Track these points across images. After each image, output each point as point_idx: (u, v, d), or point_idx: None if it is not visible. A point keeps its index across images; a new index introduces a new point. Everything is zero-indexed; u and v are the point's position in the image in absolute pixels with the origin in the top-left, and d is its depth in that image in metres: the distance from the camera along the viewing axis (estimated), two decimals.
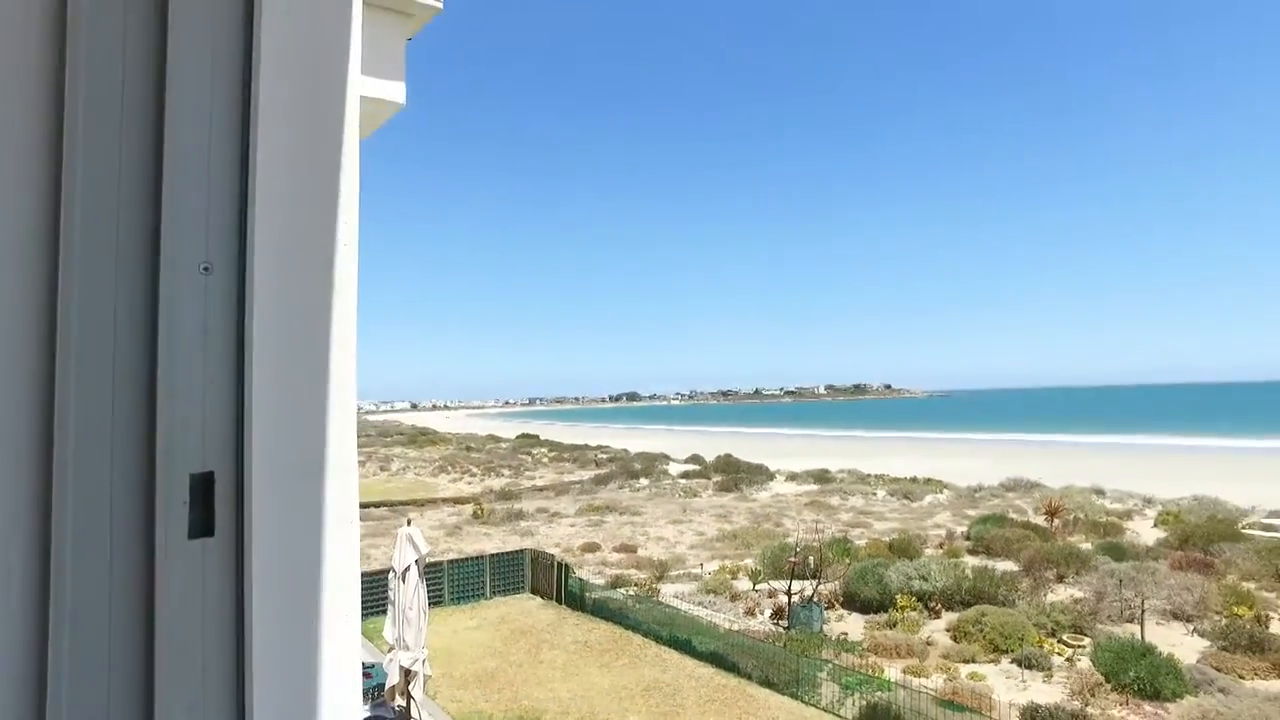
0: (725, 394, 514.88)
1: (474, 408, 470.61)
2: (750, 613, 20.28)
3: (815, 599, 19.42)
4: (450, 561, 21.96)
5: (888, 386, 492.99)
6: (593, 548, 30.19)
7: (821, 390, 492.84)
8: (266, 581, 0.98)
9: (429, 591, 18.80)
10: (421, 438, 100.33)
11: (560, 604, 20.88)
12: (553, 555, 22.84)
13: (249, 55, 1.01)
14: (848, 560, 23.79)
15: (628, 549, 29.84)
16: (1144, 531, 32.96)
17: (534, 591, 22.11)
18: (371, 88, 2.99)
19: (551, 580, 21.45)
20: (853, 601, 20.58)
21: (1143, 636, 16.69)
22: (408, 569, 12.96)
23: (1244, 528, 30.89)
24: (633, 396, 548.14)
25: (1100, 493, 44.46)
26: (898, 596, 19.58)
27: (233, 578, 0.98)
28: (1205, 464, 70.03)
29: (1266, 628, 18.01)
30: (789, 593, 19.25)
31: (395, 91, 3.15)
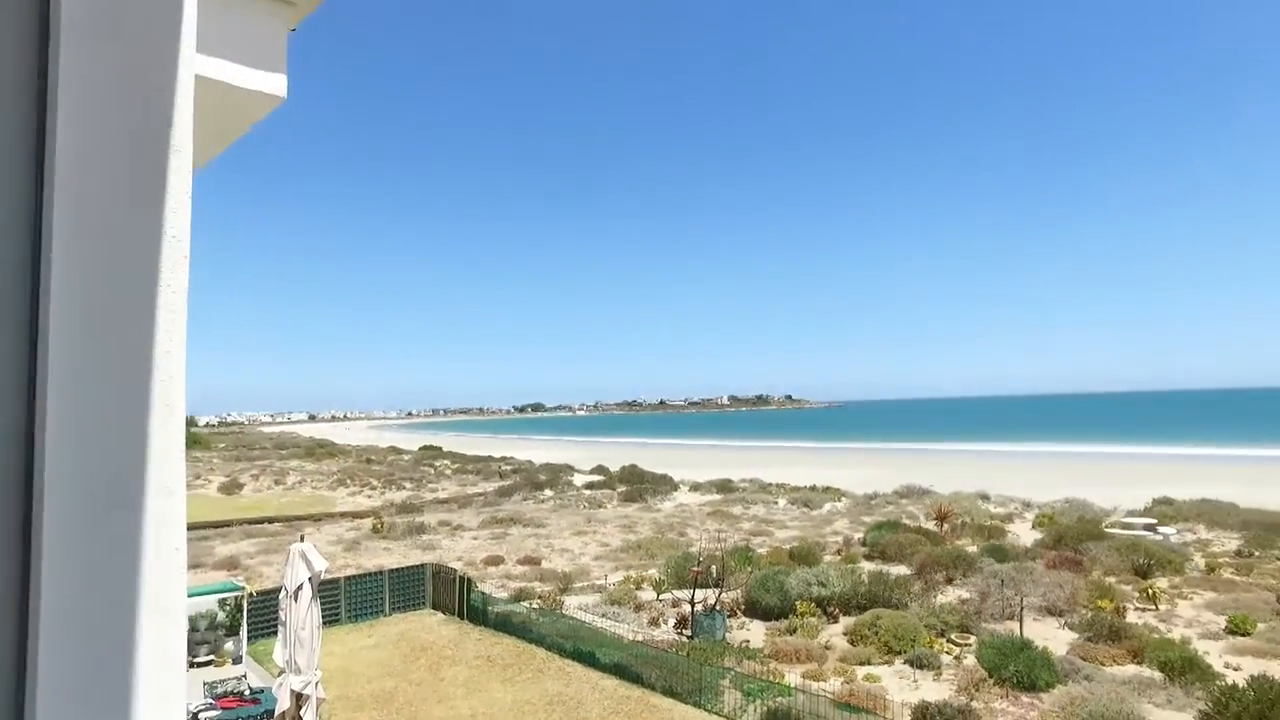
0: (630, 405, 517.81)
1: (375, 419, 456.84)
2: (654, 623, 20.32)
3: (718, 607, 19.64)
4: (348, 578, 21.07)
5: (789, 397, 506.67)
6: (496, 560, 29.63)
7: (725, 401, 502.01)
8: (59, 634, 0.84)
9: (325, 610, 17.99)
10: (319, 450, 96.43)
11: (462, 619, 20.35)
12: (455, 569, 22.27)
13: (45, 27, 0.88)
14: (750, 568, 24.20)
15: (532, 561, 29.43)
16: (1023, 533, 34.98)
17: (435, 607, 21.49)
18: (248, 79, 2.80)
19: (453, 595, 20.89)
20: (755, 609, 20.93)
21: (1021, 632, 17.67)
22: (300, 587, 12.34)
23: (1107, 527, 33.30)
24: (538, 407, 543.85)
25: (985, 498, 46.97)
26: (798, 603, 20.03)
27: (12, 635, 0.83)
28: (1077, 469, 75.21)
29: (1124, 618, 19.51)
30: (692, 602, 19.39)
31: (275, 84, 2.96)
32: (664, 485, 57.73)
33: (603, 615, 20.54)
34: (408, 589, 21.56)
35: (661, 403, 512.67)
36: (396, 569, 22.22)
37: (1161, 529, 33.08)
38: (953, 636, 18.15)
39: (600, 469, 71.25)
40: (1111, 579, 24.08)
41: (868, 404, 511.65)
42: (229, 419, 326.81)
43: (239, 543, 33.59)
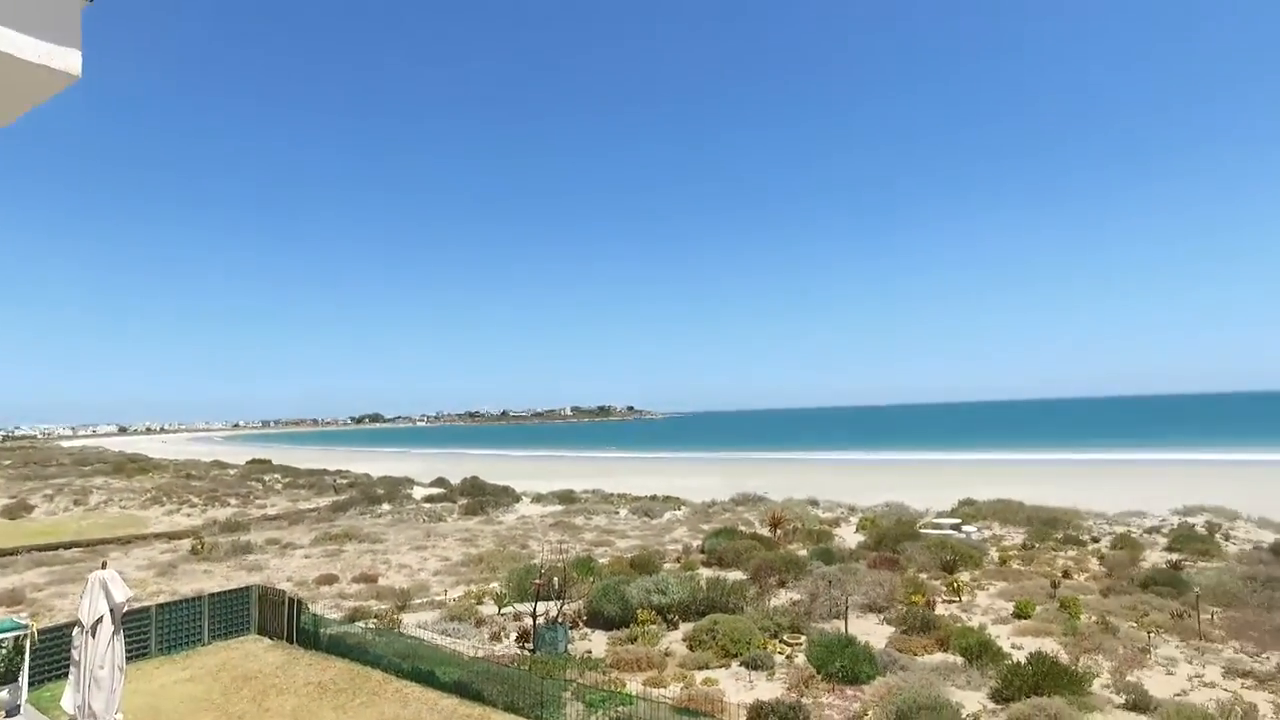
0: (473, 416, 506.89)
1: (198, 431, 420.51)
2: (495, 637, 19.98)
3: (560, 619, 19.64)
4: (159, 606, 19.15)
5: (631, 408, 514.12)
6: (329, 579, 28.05)
7: (568, 412, 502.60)
8: None
9: (131, 643, 16.31)
10: (130, 465, 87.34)
11: (291, 643, 19.08)
12: (283, 590, 20.84)
13: None
14: (592, 579, 24.38)
15: (368, 579, 28.12)
16: (849, 536, 37.48)
17: (262, 632, 20.01)
18: (35, 51, 2.56)
19: (281, 618, 19.55)
20: (597, 619, 21.10)
21: (846, 630, 18.96)
22: (99, 620, 11.18)
23: (920, 528, 36.40)
24: (376, 418, 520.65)
25: (815, 503, 49.91)
26: (639, 611, 20.40)
27: None
28: (897, 475, 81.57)
29: (933, 610, 21.44)
30: (534, 615, 19.28)
31: (68, 60, 2.71)
32: (506, 497, 57.04)
33: (443, 632, 19.95)
34: (230, 614, 19.94)
35: (504, 414, 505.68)
36: (218, 593, 20.48)
37: (965, 528, 36.57)
38: (785, 637, 19.15)
39: (441, 481, 69.38)
40: (924, 575, 26.34)
41: (708, 415, 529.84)
42: (17, 432, 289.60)
43: (25, 573, 29.73)
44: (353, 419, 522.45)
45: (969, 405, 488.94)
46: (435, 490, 63.62)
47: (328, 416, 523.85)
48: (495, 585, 25.31)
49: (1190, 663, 17.10)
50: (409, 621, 21.09)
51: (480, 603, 23.53)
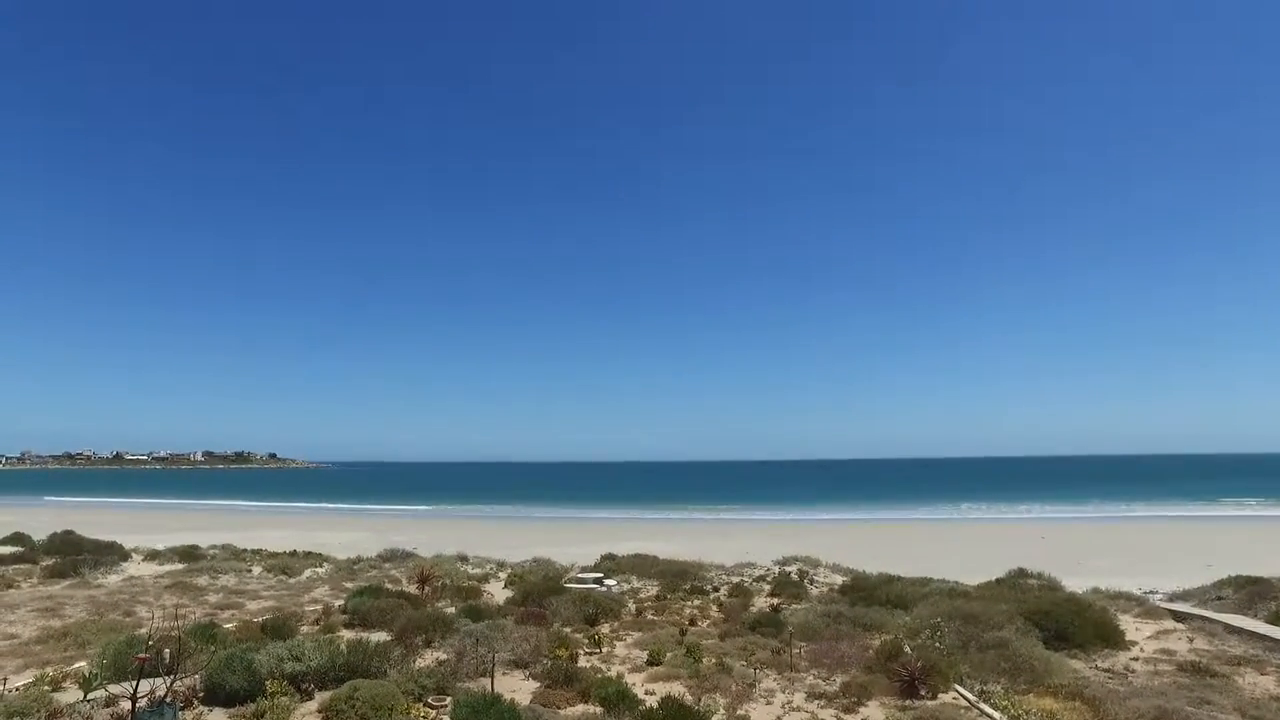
0: (72, 457, 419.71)
1: None
2: None
3: (169, 699, 16.75)
4: None
5: (273, 455, 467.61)
6: None
7: (199, 457, 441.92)
8: None
9: None
10: None
11: None
12: None
13: None
14: (213, 648, 21.25)
15: None
16: (497, 592, 37.62)
17: None
18: None
19: None
20: (217, 695, 18.33)
21: (492, 688, 18.83)
22: None
23: (565, 582, 37.94)
24: None
25: (465, 559, 49.40)
26: (268, 682, 18.21)
27: None
28: (545, 531, 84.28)
29: (576, 663, 22.31)
30: (134, 696, 16.15)
31: None
32: (110, 554, 47.65)
33: None
34: None
35: (118, 456, 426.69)
36: None
37: (607, 581, 38.88)
38: (429, 700, 18.42)
39: (17, 537, 55.60)
40: (568, 629, 27.33)
41: (361, 464, 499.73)
42: None
43: None
44: None
45: (614, 465, 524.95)
46: (9, 549, 50.64)
47: None
48: (83, 665, 20.81)
49: (784, 691, 19.88)
50: None
51: (58, 689, 19.02)
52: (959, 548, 67.89)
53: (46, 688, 18.87)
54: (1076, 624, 25.15)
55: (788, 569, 46.59)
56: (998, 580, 37.33)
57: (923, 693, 18.96)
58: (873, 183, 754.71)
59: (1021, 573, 40.01)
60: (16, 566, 42.81)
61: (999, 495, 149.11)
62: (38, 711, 16.80)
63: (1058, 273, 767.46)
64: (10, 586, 37.51)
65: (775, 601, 34.18)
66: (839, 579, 42.99)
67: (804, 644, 24.25)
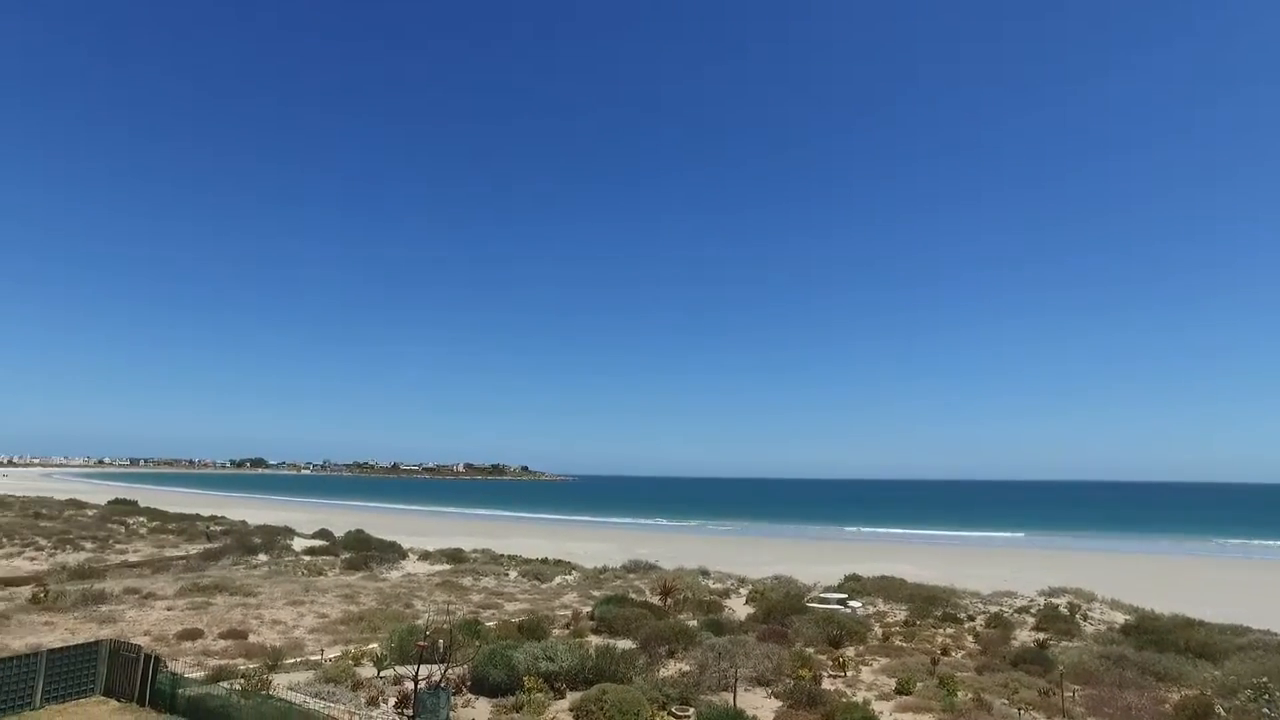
0: (361, 466, 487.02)
1: (53, 466, 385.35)
2: (373, 702, 18.78)
3: (443, 684, 18.67)
4: None
5: (525, 468, 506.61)
6: (194, 634, 25.90)
7: (460, 468, 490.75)
8: None
9: None
10: None
11: (143, 706, 17.38)
12: (139, 646, 18.98)
13: None
14: (478, 643, 23.43)
15: (237, 635, 26.11)
16: (738, 607, 37.61)
17: (110, 693, 18.12)
18: None
19: (134, 677, 17.77)
20: (482, 685, 20.20)
21: (735, 702, 18.83)
22: None
23: (807, 601, 36.98)
24: (258, 463, 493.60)
25: (706, 573, 49.99)
26: (525, 678, 19.68)
27: None
28: (784, 548, 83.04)
29: (820, 685, 21.61)
30: (415, 678, 18.24)
31: None
32: (392, 553, 54.80)
33: (316, 695, 18.58)
34: (72, 673, 17.99)
35: (395, 466, 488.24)
36: (58, 648, 18.49)
37: (851, 603, 37.39)
38: (673, 709, 18.82)
39: (324, 533, 66.13)
40: (811, 649, 26.63)
41: (602, 478, 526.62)
42: None
43: None
44: (232, 462, 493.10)
45: (853, 482, 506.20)
46: (317, 542, 60.46)
47: (204, 458, 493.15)
48: (375, 646, 23.94)
49: None
50: (280, 683, 19.55)
51: (359, 664, 22.15)
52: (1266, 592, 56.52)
53: (350, 661, 22.18)
54: None
55: (1055, 601, 41.83)
56: None
57: None
58: None
59: None
60: (324, 557, 51.48)
61: None
62: (346, 680, 20.23)
63: None
64: (320, 574, 44.90)
65: (1041, 636, 30.80)
66: (1120, 617, 37.80)
67: (1078, 687, 21.60)
